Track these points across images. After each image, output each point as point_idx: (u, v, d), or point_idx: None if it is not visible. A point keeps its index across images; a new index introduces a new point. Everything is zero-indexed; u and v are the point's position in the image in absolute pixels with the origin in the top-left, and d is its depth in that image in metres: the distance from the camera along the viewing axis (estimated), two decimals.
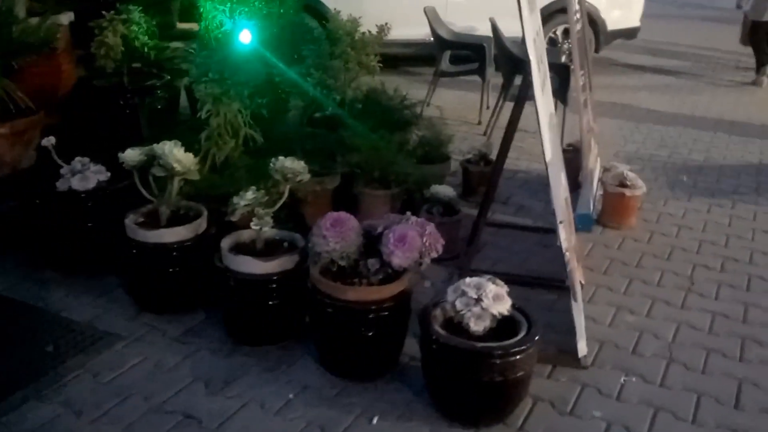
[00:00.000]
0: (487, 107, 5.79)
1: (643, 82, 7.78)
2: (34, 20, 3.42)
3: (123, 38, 3.78)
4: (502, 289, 2.17)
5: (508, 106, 5.05)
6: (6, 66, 3.14)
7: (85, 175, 2.97)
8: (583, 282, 2.86)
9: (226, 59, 3.67)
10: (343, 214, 2.38)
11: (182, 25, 4.58)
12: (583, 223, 3.50)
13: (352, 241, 2.34)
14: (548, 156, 2.37)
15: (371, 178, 3.55)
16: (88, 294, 2.88)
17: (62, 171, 2.98)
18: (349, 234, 2.34)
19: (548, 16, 7.11)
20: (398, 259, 2.26)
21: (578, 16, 3.79)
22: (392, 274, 2.33)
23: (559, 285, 2.93)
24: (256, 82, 3.68)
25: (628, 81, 7.73)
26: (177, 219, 2.80)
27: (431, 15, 5.78)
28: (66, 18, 3.68)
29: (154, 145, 2.70)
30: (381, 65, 4.30)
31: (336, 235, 2.31)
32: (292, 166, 2.58)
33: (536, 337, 2.12)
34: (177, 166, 2.61)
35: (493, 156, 4.07)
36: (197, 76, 3.56)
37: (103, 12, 3.79)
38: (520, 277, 3.10)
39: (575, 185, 3.78)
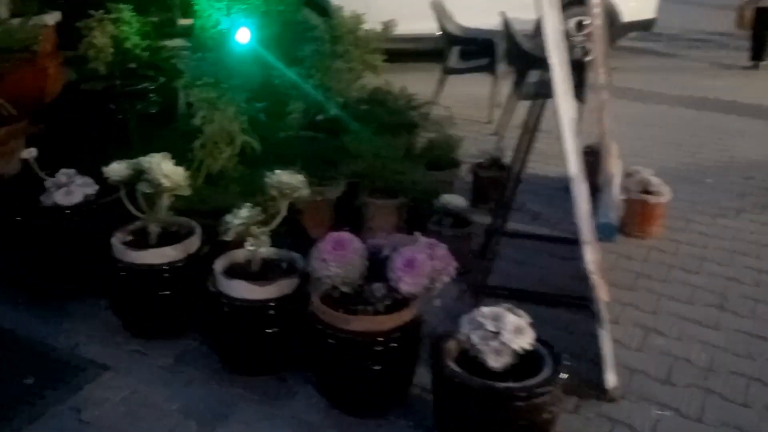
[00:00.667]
0: (497, 105, 5.55)
1: (658, 71, 7.52)
2: (16, 21, 3.21)
3: (113, 39, 3.58)
4: (523, 320, 1.95)
5: (521, 104, 4.85)
6: None
7: (70, 189, 2.76)
8: (607, 300, 2.63)
9: (222, 61, 3.46)
10: (345, 236, 2.16)
11: (184, 21, 4.36)
12: (605, 233, 3.25)
13: (355, 264, 2.12)
14: (572, 169, 2.14)
15: (376, 187, 3.33)
16: (72, 318, 2.68)
17: (46, 184, 2.77)
18: (352, 257, 2.12)
19: (561, 8, 6.85)
20: (407, 285, 2.04)
21: (597, 10, 3.54)
22: (400, 301, 2.11)
23: (581, 303, 2.71)
24: (254, 86, 3.47)
25: (642, 71, 7.46)
26: (168, 237, 2.58)
27: (438, 9, 5.53)
28: (52, 18, 3.47)
29: (141, 158, 2.48)
30: (386, 61, 4.08)
31: (338, 258, 2.09)
32: (289, 180, 2.36)
33: (563, 376, 1.89)
34: (165, 182, 2.40)
35: (506, 160, 3.85)
36: (191, 79, 3.36)
37: (92, 11, 3.58)
38: (538, 294, 2.87)
39: (594, 189, 3.55)
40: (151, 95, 3.72)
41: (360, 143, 3.53)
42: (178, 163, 2.91)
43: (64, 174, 2.80)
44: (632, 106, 5.97)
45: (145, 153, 3.05)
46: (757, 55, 7.58)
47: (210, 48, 3.59)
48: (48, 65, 3.44)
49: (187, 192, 2.51)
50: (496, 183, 3.75)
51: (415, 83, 5.09)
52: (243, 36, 3.65)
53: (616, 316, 2.77)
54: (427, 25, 6.13)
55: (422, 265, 2.05)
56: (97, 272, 2.61)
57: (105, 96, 3.63)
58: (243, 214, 2.33)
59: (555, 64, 2.17)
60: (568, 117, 2.30)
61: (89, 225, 2.73)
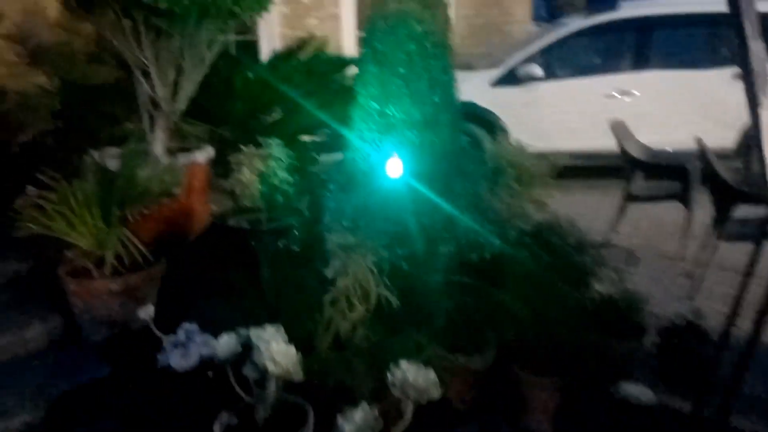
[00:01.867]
0: (691, 237, 4.71)
1: None
2: (166, 161, 3.18)
3: (261, 174, 3.46)
4: None
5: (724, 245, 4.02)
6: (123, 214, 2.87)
7: (187, 350, 2.52)
8: None
9: (366, 201, 3.17)
10: None
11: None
12: None
13: None
14: None
15: (533, 357, 2.74)
16: None
17: (164, 342, 2.56)
18: None
19: None
20: None
21: None
22: None
23: None
24: (398, 228, 3.11)
25: None
26: (277, 420, 2.21)
27: (619, 130, 4.92)
28: (204, 155, 3.42)
29: (252, 332, 2.16)
30: (558, 177, 3.57)
31: None
32: (415, 381, 1.88)
33: None
34: (272, 367, 2.03)
35: (709, 325, 3.08)
36: (329, 223, 3.09)
37: (242, 146, 3.52)
38: None
39: None
40: (295, 232, 3.50)
41: (516, 298, 2.99)
42: (308, 319, 2.61)
43: (183, 331, 2.57)
44: None
45: (277, 301, 2.80)
46: None
47: (355, 183, 3.35)
48: (196, 202, 3.37)
49: (299, 378, 2.12)
50: (690, 356, 2.99)
51: (591, 203, 4.48)
52: (394, 169, 3.36)
53: None
54: (606, 142, 5.55)
55: None
56: None
57: (248, 233, 3.48)
58: (356, 418, 1.88)
59: None
60: None
61: (199, 394, 2.44)
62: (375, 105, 3.47)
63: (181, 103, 3.33)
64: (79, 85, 4.09)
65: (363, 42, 3.57)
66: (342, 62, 4.55)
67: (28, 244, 2.99)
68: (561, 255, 3.46)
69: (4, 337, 2.81)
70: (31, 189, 2.79)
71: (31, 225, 2.72)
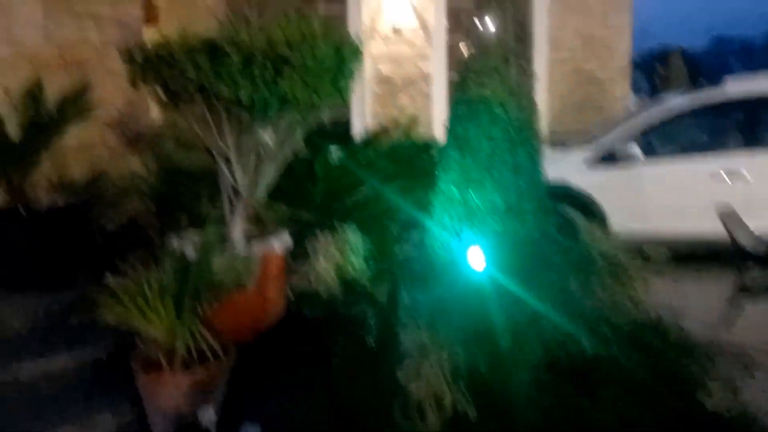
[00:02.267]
0: None
1: None
2: (244, 248, 3.15)
3: (336, 264, 3.37)
4: None
5: None
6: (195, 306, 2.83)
7: None
8: None
9: (443, 295, 3.00)
10: None
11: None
12: None
13: None
14: None
15: None
16: None
17: None
18: None
19: None
20: None
21: None
22: None
23: None
24: (477, 326, 2.91)
25: None
26: None
27: (728, 217, 4.51)
28: (280, 244, 3.38)
29: None
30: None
31: None
32: None
33: None
34: None
35: None
36: (404, 318, 2.93)
37: (320, 231, 3.47)
38: None
39: None
40: (370, 323, 3.36)
41: (608, 407, 2.68)
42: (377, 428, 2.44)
43: None
44: None
45: (347, 403, 2.65)
46: None
47: (433, 274, 3.19)
48: (270, 291, 3.30)
49: None
50: None
51: (699, 295, 4.06)
52: (475, 259, 3.18)
53: None
54: (713, 226, 5.10)
55: None
56: None
57: (323, 323, 3.37)
58: None
59: None
60: None
61: None
62: (456, 192, 3.35)
63: (261, 190, 3.33)
64: (172, 170, 4.24)
65: (446, 127, 3.48)
66: (425, 147, 4.49)
67: (107, 330, 3.01)
68: (662, 358, 3.12)
69: (73, 427, 2.79)
70: (110, 277, 2.82)
71: (107, 315, 2.74)
